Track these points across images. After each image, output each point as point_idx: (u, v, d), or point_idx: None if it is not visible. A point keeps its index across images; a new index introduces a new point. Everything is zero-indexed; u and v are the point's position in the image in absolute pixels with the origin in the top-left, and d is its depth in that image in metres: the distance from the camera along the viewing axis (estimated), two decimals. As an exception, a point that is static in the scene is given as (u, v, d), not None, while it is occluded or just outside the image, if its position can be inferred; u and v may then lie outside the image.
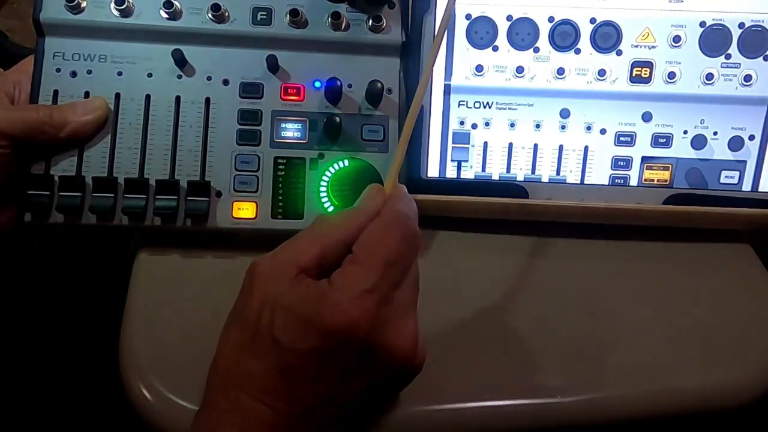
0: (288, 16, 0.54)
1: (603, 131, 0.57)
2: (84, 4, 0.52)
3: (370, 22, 0.55)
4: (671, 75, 0.56)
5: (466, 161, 0.57)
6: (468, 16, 0.56)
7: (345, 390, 0.37)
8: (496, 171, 0.57)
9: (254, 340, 0.37)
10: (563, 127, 0.57)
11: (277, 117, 0.54)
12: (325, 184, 0.53)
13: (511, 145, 0.57)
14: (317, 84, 0.54)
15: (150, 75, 0.53)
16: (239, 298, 0.39)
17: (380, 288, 0.36)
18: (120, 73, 0.53)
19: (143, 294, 0.51)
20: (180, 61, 0.53)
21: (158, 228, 0.51)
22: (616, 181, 0.57)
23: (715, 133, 0.57)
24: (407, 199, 0.41)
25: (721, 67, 0.56)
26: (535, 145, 0.57)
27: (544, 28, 0.56)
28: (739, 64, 0.56)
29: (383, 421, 0.46)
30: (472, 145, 0.57)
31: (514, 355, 0.50)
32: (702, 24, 0.55)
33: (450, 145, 0.57)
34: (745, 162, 0.57)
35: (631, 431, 0.50)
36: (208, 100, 0.53)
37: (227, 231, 0.52)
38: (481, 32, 0.56)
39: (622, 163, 0.57)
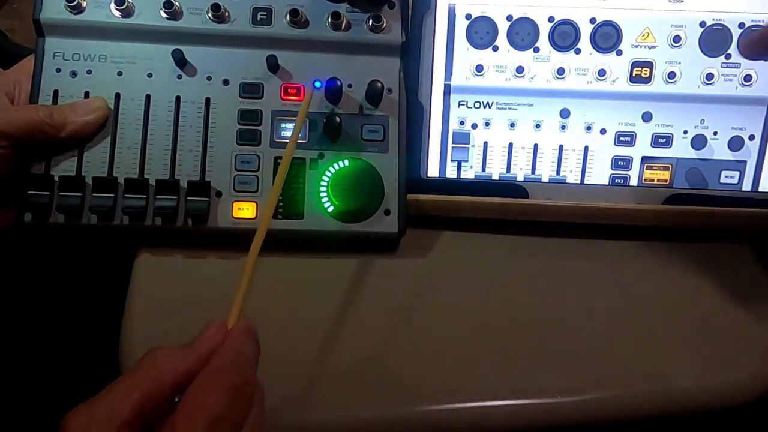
0: (288, 16, 0.53)
1: (603, 131, 0.57)
2: (84, 4, 0.52)
3: (370, 22, 0.55)
4: (671, 75, 0.56)
5: (466, 161, 0.57)
6: (468, 16, 0.56)
7: None
8: (496, 171, 0.57)
9: None
10: (563, 127, 0.57)
11: (277, 117, 0.54)
12: (325, 184, 0.53)
13: (511, 145, 0.57)
14: (317, 84, 0.54)
15: (150, 75, 0.53)
16: None
17: None
18: (120, 73, 0.53)
19: (143, 294, 0.51)
20: (180, 61, 0.53)
21: (158, 228, 0.51)
22: (616, 181, 0.57)
23: (715, 133, 0.57)
24: (247, 337, 0.36)
25: (721, 67, 0.56)
26: (535, 145, 0.57)
27: (544, 28, 0.56)
28: (739, 64, 0.56)
29: (383, 421, 0.46)
30: (472, 145, 0.57)
31: (514, 355, 0.50)
32: (702, 24, 0.55)
33: (450, 145, 0.57)
34: (745, 162, 0.57)
35: (631, 431, 0.50)
36: (208, 100, 0.53)
37: (227, 231, 0.52)
38: (481, 32, 0.56)
39: (622, 163, 0.57)
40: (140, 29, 0.53)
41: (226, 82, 0.53)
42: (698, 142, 0.57)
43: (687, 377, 0.50)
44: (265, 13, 0.54)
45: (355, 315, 0.51)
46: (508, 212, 0.57)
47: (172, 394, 0.34)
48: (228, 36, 0.53)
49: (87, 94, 0.52)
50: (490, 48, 0.56)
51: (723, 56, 0.56)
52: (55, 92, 0.52)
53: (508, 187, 0.57)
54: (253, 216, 0.52)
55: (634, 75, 0.56)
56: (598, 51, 0.56)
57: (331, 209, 0.53)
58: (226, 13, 0.53)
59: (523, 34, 0.56)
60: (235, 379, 0.34)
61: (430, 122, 0.57)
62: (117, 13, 0.52)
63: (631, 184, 0.57)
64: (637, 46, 0.56)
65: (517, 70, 0.56)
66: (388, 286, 0.54)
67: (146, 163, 0.51)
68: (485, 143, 0.57)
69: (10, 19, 0.89)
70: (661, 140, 0.57)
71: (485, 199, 0.56)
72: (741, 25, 0.55)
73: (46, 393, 0.65)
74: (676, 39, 0.56)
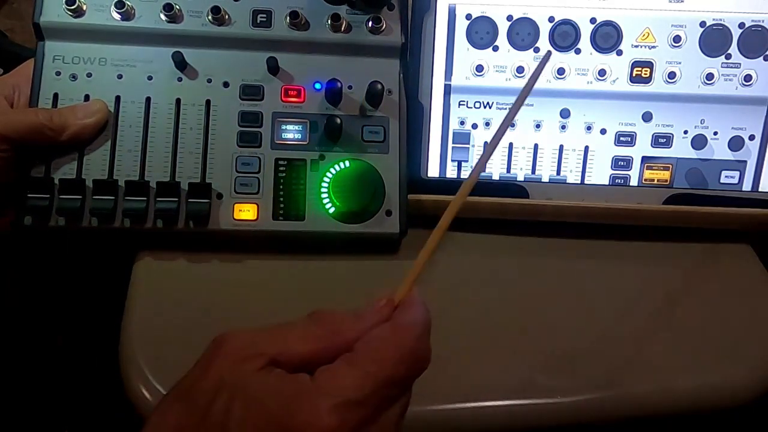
0: (288, 18, 0.54)
1: (603, 131, 0.57)
2: (84, 8, 0.52)
3: (370, 23, 0.55)
4: (671, 75, 0.56)
5: (466, 161, 0.57)
6: (468, 16, 0.56)
7: None
8: (496, 171, 0.57)
9: (200, 428, 0.30)
10: (563, 127, 0.57)
11: (278, 119, 0.54)
12: (326, 185, 0.53)
13: (511, 145, 0.57)
14: (317, 85, 0.54)
15: (150, 78, 0.53)
16: (192, 370, 0.32)
17: (369, 404, 0.30)
18: (120, 76, 0.52)
19: (144, 295, 0.51)
20: (180, 63, 0.53)
21: (159, 230, 0.51)
22: (616, 181, 0.57)
23: (715, 133, 0.57)
24: (423, 308, 0.35)
25: (721, 67, 0.56)
26: (535, 145, 0.57)
27: (544, 28, 0.56)
28: (739, 64, 0.56)
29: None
30: (472, 145, 0.57)
31: (514, 355, 0.50)
32: (702, 24, 0.55)
33: (450, 145, 0.57)
34: (745, 162, 0.57)
35: (631, 431, 0.50)
36: (208, 102, 0.53)
37: (228, 233, 0.52)
38: (481, 32, 0.56)
39: (622, 163, 0.57)
40: (140, 32, 0.53)
41: (226, 85, 0.53)
42: (698, 142, 0.57)
43: (687, 377, 0.50)
44: (264, 15, 0.54)
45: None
46: (508, 212, 0.57)
47: (334, 357, 0.32)
48: (228, 38, 0.53)
49: (87, 97, 0.52)
50: (491, 48, 0.56)
51: (723, 56, 0.56)
52: (55, 95, 0.52)
53: (508, 187, 0.57)
54: (254, 218, 0.52)
55: (634, 75, 0.56)
56: (598, 51, 0.56)
57: (332, 210, 0.53)
58: (226, 16, 0.53)
59: (523, 34, 0.56)
60: (419, 343, 0.33)
61: (431, 122, 0.57)
62: (117, 17, 0.52)
63: (631, 184, 0.57)
64: (637, 46, 0.56)
65: (517, 70, 0.56)
66: (389, 286, 0.54)
67: (147, 166, 0.51)
68: (485, 143, 0.57)
69: (10, 19, 0.89)
70: (661, 140, 0.57)
71: (485, 199, 0.56)
72: (741, 25, 0.55)
73: (47, 395, 0.65)
74: (676, 39, 0.56)
